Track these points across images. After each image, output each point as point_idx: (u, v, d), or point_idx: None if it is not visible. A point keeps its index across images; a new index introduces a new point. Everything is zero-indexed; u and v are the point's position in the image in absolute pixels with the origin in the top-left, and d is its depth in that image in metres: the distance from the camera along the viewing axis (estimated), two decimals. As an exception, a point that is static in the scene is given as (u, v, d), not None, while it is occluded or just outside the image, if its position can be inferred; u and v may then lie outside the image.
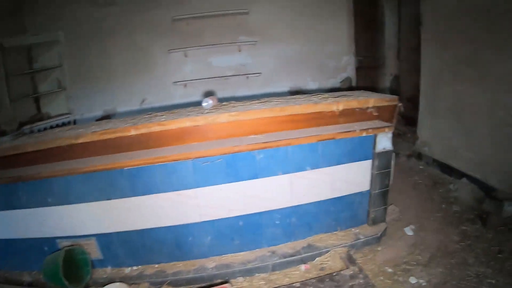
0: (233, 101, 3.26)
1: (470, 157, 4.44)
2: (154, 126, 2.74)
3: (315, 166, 3.06)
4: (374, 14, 6.21)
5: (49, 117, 5.76)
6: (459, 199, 4.29)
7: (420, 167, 5.30)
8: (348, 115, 3.06)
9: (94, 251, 3.05)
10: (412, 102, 5.61)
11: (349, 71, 5.83)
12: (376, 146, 3.12)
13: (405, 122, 5.99)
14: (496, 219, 3.73)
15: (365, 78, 6.04)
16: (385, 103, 2.99)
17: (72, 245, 3.00)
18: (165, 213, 2.98)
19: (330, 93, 3.38)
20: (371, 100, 2.91)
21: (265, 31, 5.59)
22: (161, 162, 2.78)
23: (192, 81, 5.64)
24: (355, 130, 2.91)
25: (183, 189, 2.92)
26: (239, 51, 5.58)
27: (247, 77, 5.65)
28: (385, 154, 3.17)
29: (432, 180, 4.85)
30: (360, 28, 5.88)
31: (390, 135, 3.13)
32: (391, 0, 6.25)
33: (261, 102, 3.13)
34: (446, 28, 4.59)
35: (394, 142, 3.22)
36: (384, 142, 3.13)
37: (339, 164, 3.12)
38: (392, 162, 3.23)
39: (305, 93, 5.24)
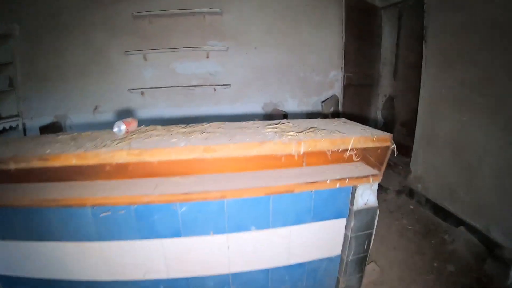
0: (159, 126, 2.40)
1: (470, 202, 3.82)
2: (34, 161, 1.90)
3: (264, 225, 2.21)
4: (369, 25, 5.38)
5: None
6: (456, 255, 3.60)
7: (411, 207, 4.54)
8: (316, 158, 2.23)
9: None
10: (407, 128, 4.87)
11: (336, 89, 4.99)
12: (355, 201, 2.28)
13: (398, 151, 5.18)
14: (500, 286, 3.11)
15: (354, 98, 5.20)
16: (372, 144, 2.14)
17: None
18: (68, 265, 2.25)
19: (297, 121, 2.53)
20: (350, 140, 2.03)
21: (238, 35, 4.73)
22: (51, 205, 2.01)
23: (151, 89, 4.79)
24: (325, 181, 2.06)
25: (85, 240, 2.17)
26: (207, 57, 4.72)
27: (215, 89, 4.78)
28: (367, 211, 2.33)
29: (423, 225, 4.11)
30: (352, 39, 5.05)
31: (375, 186, 2.30)
32: (390, 9, 5.48)
33: (189, 131, 2.26)
34: (453, 45, 3.87)
35: (386, 173, 2.38)
36: (367, 195, 2.29)
37: (300, 224, 2.27)
38: (376, 222, 2.39)
39: (282, 112, 4.59)
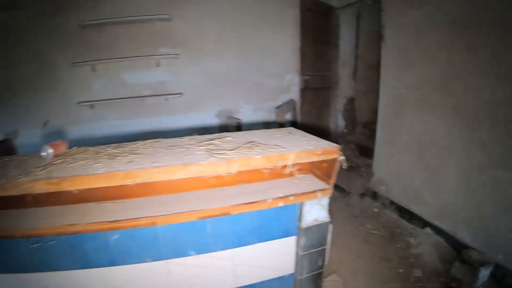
0: (90, 148, 2.18)
1: (436, 203, 3.74)
2: None
3: (203, 249, 2.03)
4: (327, 26, 5.26)
5: None
6: (422, 259, 3.49)
7: (375, 209, 4.44)
8: (256, 175, 2.06)
9: None
10: (369, 129, 4.78)
11: (293, 93, 4.83)
12: (303, 218, 2.12)
13: (360, 153, 5.10)
14: None
15: (313, 101, 5.06)
16: (316, 158, 1.98)
17: None
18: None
19: (238, 133, 2.36)
20: (288, 156, 1.86)
21: (190, 41, 4.51)
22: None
23: (100, 101, 4.53)
24: (265, 200, 1.89)
25: (21, 272, 1.98)
26: (158, 65, 4.48)
27: (167, 99, 4.55)
28: (317, 228, 2.17)
29: (389, 229, 4.00)
30: (308, 42, 4.90)
31: (325, 201, 2.14)
32: (348, 10, 5.38)
33: (117, 153, 2.05)
34: (412, 44, 3.79)
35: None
36: (316, 211, 2.13)
37: (244, 245, 2.10)
38: (329, 237, 2.24)
39: (237, 119, 4.42)
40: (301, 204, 2.08)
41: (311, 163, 2.15)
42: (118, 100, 4.46)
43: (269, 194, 1.93)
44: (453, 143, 3.42)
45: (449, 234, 3.54)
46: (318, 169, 2.13)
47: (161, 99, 4.52)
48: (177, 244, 2.00)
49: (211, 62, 4.54)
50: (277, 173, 2.12)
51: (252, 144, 2.02)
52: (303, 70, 4.73)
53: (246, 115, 4.73)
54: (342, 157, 1.95)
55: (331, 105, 5.27)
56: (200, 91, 4.60)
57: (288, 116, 4.58)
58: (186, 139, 2.26)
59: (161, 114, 4.59)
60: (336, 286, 3.01)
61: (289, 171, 2.11)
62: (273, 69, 4.74)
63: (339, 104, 5.44)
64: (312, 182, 2.13)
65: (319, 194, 2.01)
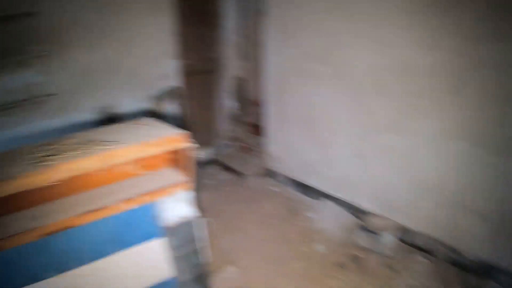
0: None
1: (332, 174, 3.73)
2: None
3: (55, 270, 1.71)
4: (208, 6, 4.98)
5: None
6: (325, 233, 3.45)
7: (274, 189, 4.33)
8: (94, 179, 1.78)
9: None
10: (261, 107, 4.61)
11: (175, 79, 4.51)
12: (164, 217, 1.87)
13: (254, 133, 4.96)
14: (375, 258, 3.01)
15: (199, 86, 4.78)
16: (157, 149, 1.72)
17: None
18: None
19: (85, 133, 2.04)
20: (122, 152, 1.59)
21: (60, 37, 3.96)
22: None
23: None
24: (107, 207, 1.61)
25: None
26: (28, 66, 3.92)
27: (39, 102, 4.01)
28: (186, 226, 1.95)
29: (288, 207, 3.91)
30: (188, 23, 4.59)
31: (189, 195, 1.91)
32: (229, -15, 5.14)
33: None
34: (295, 16, 3.70)
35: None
36: (179, 208, 1.90)
37: (102, 258, 1.81)
38: (204, 233, 2.02)
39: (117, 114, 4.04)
40: (160, 202, 1.83)
41: (170, 155, 1.90)
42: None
43: (113, 198, 1.65)
44: (341, 112, 3.41)
45: (349, 203, 3.57)
46: (175, 161, 1.89)
47: (33, 103, 3.96)
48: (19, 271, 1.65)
49: (83, 56, 4.03)
50: (127, 173, 1.85)
51: (93, 144, 1.73)
52: (184, 54, 4.41)
53: (129, 108, 4.35)
54: (193, 145, 1.72)
55: (220, 88, 5.04)
56: (76, 89, 4.07)
57: (171, 104, 4.27)
58: (25, 147, 1.88)
59: (36, 120, 3.98)
60: (234, 279, 2.83)
61: (141, 168, 1.84)
62: (150, 55, 4.37)
63: (229, 85, 5.23)
64: (170, 177, 1.89)
65: (177, 188, 1.77)
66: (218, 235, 3.35)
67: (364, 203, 3.43)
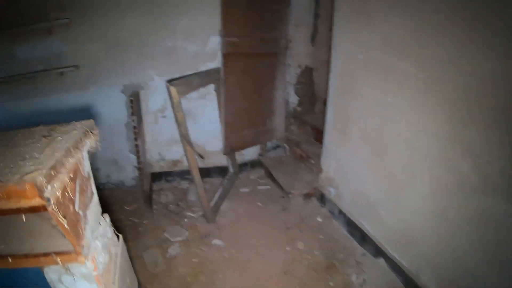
0: None
1: (396, 225, 2.54)
2: None
3: None
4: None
5: None
6: None
7: (319, 219, 3.31)
8: None
9: None
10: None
11: (220, 61, 3.55)
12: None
13: (316, 138, 3.90)
14: None
15: (246, 72, 3.64)
16: None
17: None
18: None
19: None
20: None
21: (81, 3, 3.26)
22: None
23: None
24: None
25: None
26: (50, 34, 3.29)
27: (62, 73, 3.38)
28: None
29: (328, 252, 2.94)
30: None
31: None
32: None
33: None
34: None
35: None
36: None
37: None
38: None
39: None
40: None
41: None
42: (8, 78, 3.40)
43: None
44: (429, 143, 2.14)
45: (405, 270, 2.45)
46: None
47: (55, 74, 3.41)
48: None
49: (110, 26, 3.33)
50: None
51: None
52: (227, 30, 3.37)
53: (158, 90, 3.62)
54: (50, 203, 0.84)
55: (277, 76, 3.95)
56: (102, 62, 3.47)
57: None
58: None
59: (58, 92, 3.54)
60: None
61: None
62: (192, 29, 3.46)
63: (291, 75, 4.15)
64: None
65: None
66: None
67: (424, 277, 2.29)
